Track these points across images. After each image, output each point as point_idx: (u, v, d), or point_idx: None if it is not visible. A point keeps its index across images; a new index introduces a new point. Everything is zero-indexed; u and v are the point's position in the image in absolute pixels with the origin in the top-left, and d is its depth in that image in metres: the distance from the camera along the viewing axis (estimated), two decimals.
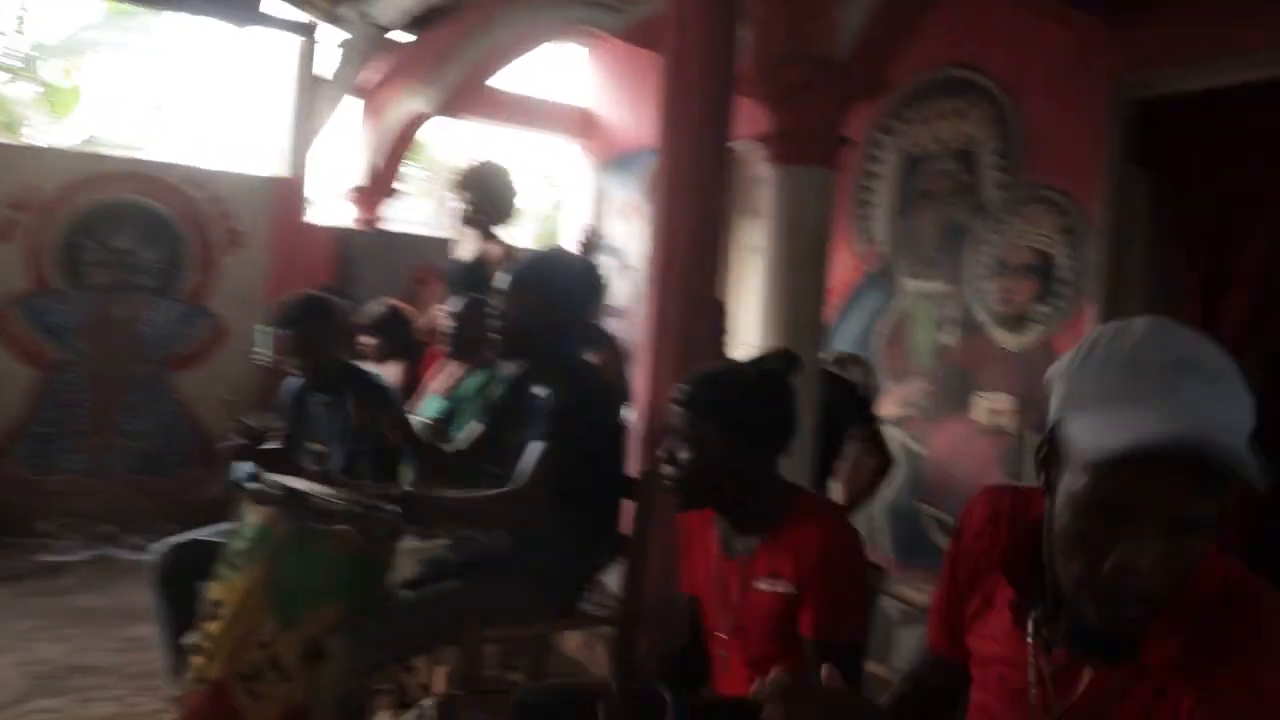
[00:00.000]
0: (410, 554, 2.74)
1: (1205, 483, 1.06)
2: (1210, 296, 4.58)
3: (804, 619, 1.96)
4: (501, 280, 2.79)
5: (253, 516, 2.54)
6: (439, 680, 2.76)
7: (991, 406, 5.22)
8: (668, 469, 2.09)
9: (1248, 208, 4.50)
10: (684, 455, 2.05)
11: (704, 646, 2.21)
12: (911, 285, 5.64)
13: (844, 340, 5.74)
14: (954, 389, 5.40)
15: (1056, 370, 1.22)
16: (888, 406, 5.42)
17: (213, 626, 2.48)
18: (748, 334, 5.55)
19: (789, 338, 3.79)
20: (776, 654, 2.00)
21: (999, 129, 5.22)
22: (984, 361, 5.27)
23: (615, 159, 7.78)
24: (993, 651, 1.32)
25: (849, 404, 4.18)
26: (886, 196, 5.74)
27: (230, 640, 2.43)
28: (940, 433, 5.44)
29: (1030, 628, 1.26)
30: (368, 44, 6.35)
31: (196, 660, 2.50)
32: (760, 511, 2.07)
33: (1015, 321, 5.14)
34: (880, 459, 4.26)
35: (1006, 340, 5.17)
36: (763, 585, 2.02)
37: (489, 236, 4.91)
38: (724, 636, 2.11)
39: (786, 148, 3.66)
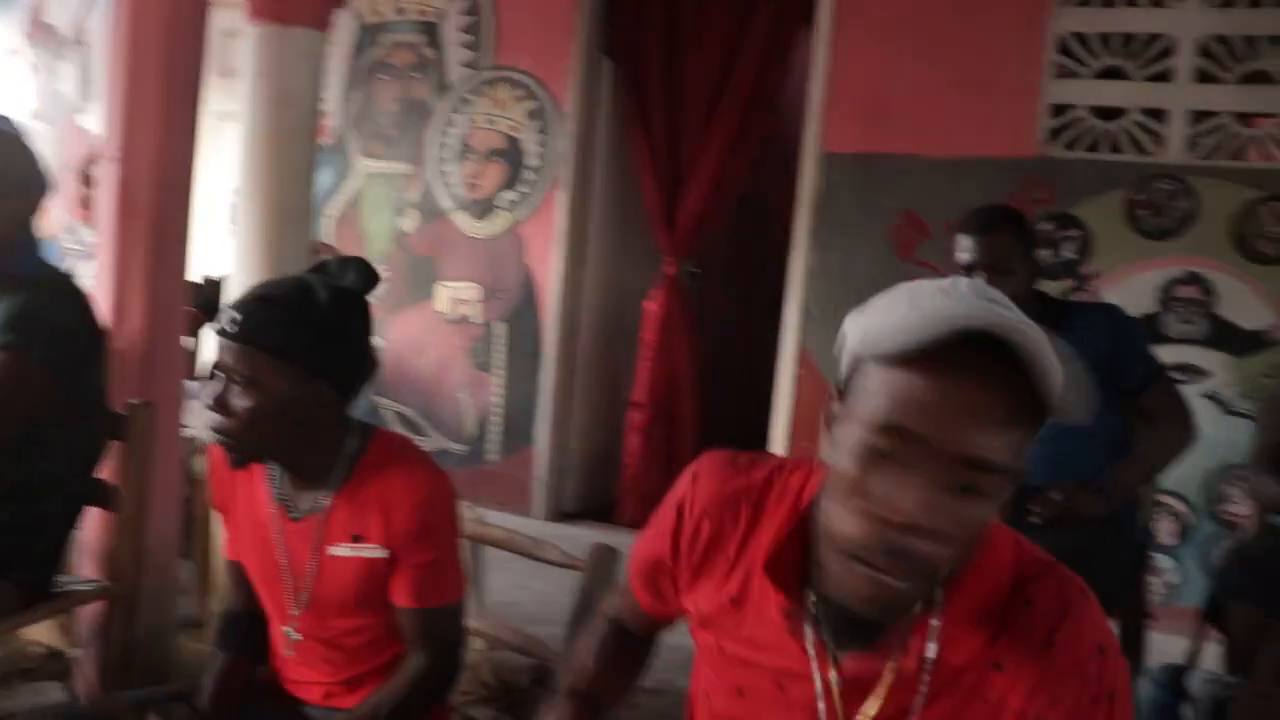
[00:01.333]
0: None
1: (1000, 408, 0.91)
2: (670, 188, 4.74)
3: (397, 586, 1.66)
4: None
5: None
6: None
7: (456, 296, 5.04)
8: (219, 420, 1.62)
9: (701, 105, 4.69)
10: (241, 401, 1.60)
11: (257, 621, 1.80)
12: (366, 165, 5.23)
13: None
14: (415, 277, 5.14)
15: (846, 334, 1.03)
16: None
17: None
18: (220, 219, 4.85)
19: (274, 223, 3.27)
20: (359, 627, 1.71)
21: (466, 4, 4.94)
22: (447, 249, 5.06)
23: None
24: (759, 659, 1.14)
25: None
26: (338, 65, 5.21)
27: None
28: (400, 323, 5.17)
29: (809, 636, 1.09)
30: None
31: None
32: (333, 460, 1.68)
33: (482, 208, 4.97)
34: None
35: (472, 227, 5.00)
36: (342, 551, 1.67)
37: None
38: (293, 612, 1.71)
39: (271, 3, 3.09)
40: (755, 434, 4.57)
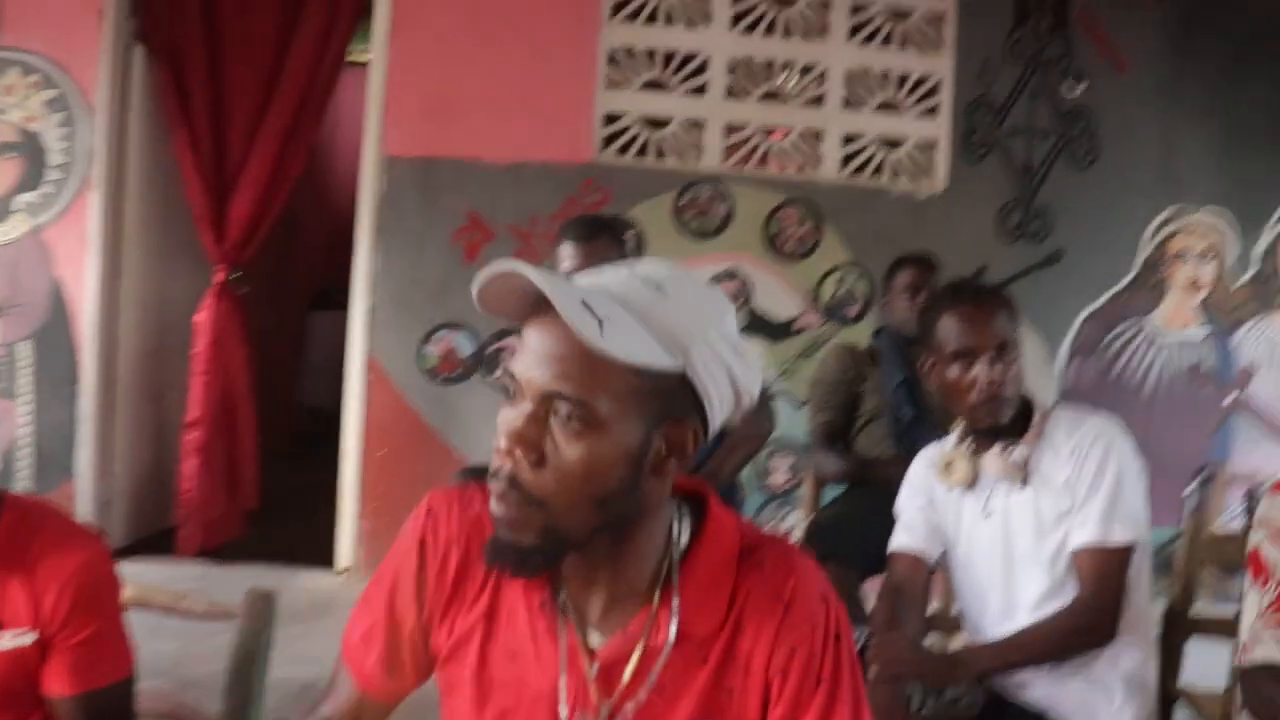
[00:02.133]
0: None
1: (565, 348, 0.99)
2: (218, 192, 4.46)
3: (52, 673, 1.42)
4: None
5: None
6: None
7: None
8: None
9: (251, 102, 4.46)
10: None
11: None
12: None
13: None
14: None
15: None
16: None
17: None
18: None
19: None
20: None
21: None
22: None
23: None
24: (518, 671, 1.13)
25: None
26: None
27: None
28: None
29: (562, 629, 1.12)
30: None
31: None
32: None
33: None
34: None
35: None
36: None
37: None
38: None
39: None
40: (324, 441, 4.43)
